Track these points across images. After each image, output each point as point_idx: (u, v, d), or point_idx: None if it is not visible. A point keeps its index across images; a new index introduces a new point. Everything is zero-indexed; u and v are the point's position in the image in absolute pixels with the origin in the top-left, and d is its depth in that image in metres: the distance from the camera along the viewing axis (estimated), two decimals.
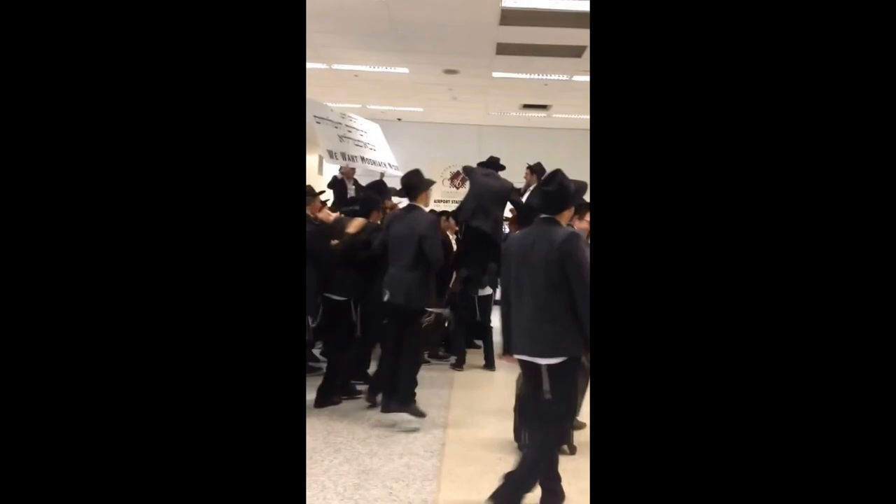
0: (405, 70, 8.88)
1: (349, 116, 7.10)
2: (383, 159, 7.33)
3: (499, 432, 4.37)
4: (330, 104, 7.34)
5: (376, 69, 8.90)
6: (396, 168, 7.31)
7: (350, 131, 6.97)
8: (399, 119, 12.75)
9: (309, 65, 8.71)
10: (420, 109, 11.81)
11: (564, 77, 8.69)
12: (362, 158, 6.94)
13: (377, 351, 5.30)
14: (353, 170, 7.20)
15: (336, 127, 6.73)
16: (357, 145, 6.95)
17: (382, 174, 7.30)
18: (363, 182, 8.08)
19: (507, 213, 6.49)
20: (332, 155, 6.48)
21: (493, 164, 6.49)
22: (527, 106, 10.99)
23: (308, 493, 3.39)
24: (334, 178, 7.12)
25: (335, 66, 8.81)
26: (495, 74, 8.83)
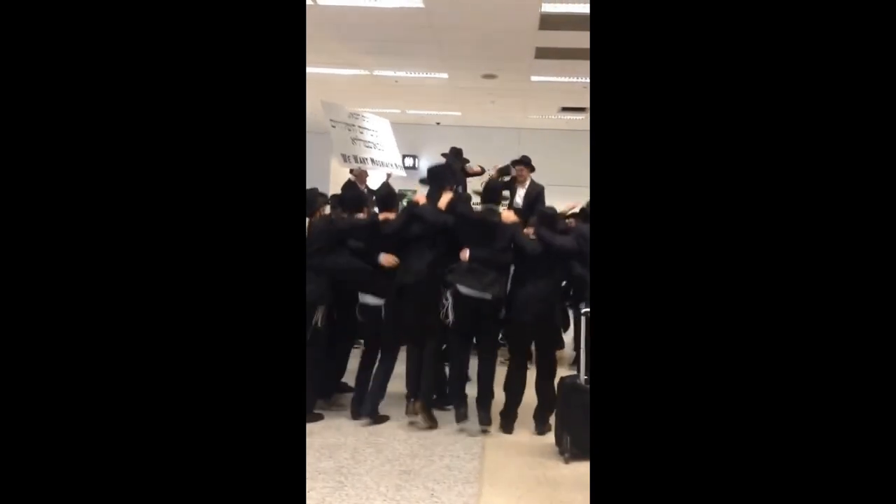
0: (444, 75, 8.96)
1: (360, 116, 6.97)
2: (390, 160, 7.16)
3: (539, 436, 4.39)
4: (362, 109, 7.26)
5: (416, 75, 8.99)
6: (402, 168, 7.20)
7: (361, 132, 6.86)
8: (438, 123, 12.84)
9: (350, 71, 8.85)
10: (458, 113, 11.87)
11: None
12: (372, 160, 6.84)
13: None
14: (366, 173, 7.12)
15: (349, 129, 6.66)
16: (367, 147, 6.84)
17: (389, 175, 7.17)
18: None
19: None
20: (346, 159, 6.42)
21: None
22: (565, 109, 10.96)
23: (352, 492, 3.47)
24: (349, 181, 7.01)
25: (376, 73, 8.92)
26: (534, 78, 8.85)
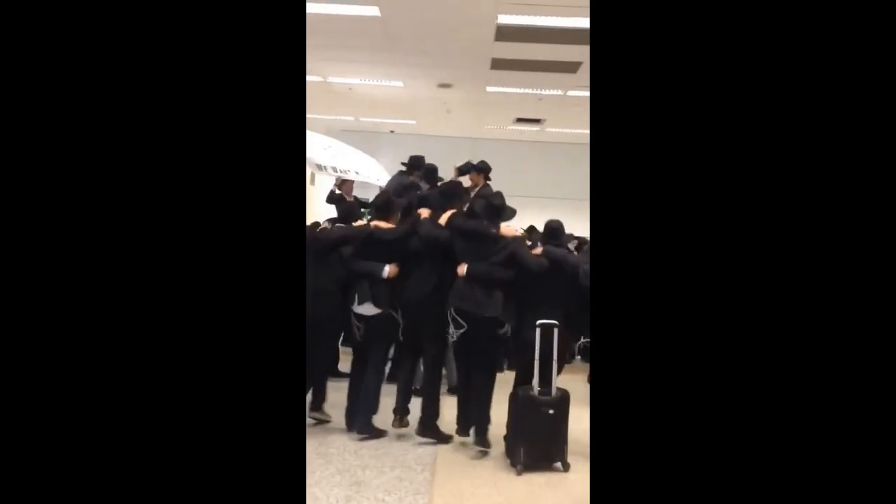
0: (399, 84, 8.94)
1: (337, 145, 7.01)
2: (375, 175, 7.20)
3: (490, 447, 4.36)
4: (322, 115, 7.26)
5: (371, 82, 8.96)
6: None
7: (337, 155, 6.90)
8: (392, 131, 12.81)
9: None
10: (413, 122, 11.88)
11: (559, 92, 8.76)
12: (356, 172, 6.86)
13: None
14: (352, 183, 7.03)
15: (325, 150, 6.68)
16: (347, 160, 6.87)
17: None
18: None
19: None
20: (320, 168, 6.42)
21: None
22: (520, 120, 11.07)
23: None
24: (332, 192, 6.89)
25: (330, 79, 8.86)
26: (489, 89, 8.91)
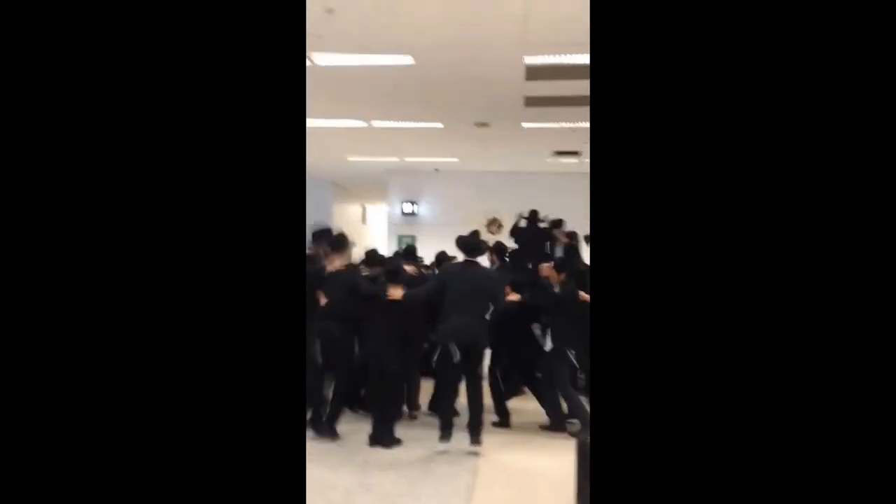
0: (439, 125, 9.25)
1: None
2: None
3: (529, 460, 4.48)
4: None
5: (412, 125, 9.30)
6: None
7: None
8: (436, 170, 13.14)
9: (349, 122, 9.18)
10: (455, 160, 12.16)
11: None
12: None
13: None
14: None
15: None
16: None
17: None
18: None
19: None
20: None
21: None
22: (559, 153, 11.23)
23: None
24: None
25: (374, 124, 9.24)
26: (525, 125, 9.13)
